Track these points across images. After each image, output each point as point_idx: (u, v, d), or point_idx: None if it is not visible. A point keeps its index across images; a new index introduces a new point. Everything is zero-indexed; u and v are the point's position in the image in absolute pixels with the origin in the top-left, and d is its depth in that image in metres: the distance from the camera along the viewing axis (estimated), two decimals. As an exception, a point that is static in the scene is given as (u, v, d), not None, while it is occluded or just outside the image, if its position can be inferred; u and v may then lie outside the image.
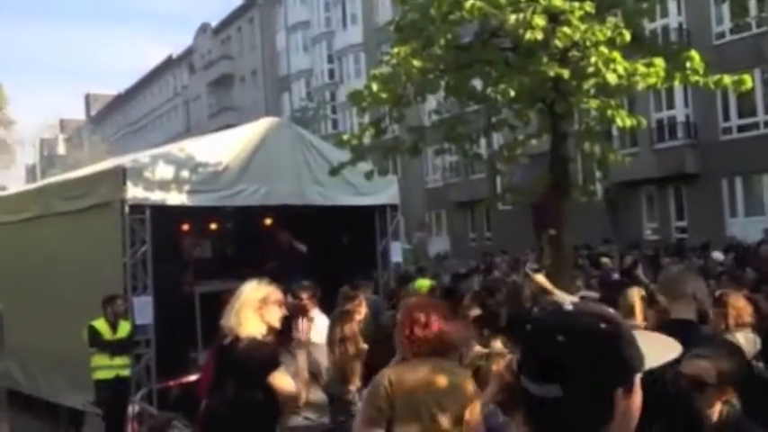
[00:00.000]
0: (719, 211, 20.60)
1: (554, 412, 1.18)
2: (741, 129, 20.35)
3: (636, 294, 4.76)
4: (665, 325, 3.10)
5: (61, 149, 63.08)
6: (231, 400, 3.38)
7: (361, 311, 5.27)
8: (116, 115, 66.82)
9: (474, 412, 2.81)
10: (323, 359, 4.54)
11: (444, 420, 2.78)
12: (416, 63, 6.12)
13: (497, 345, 3.93)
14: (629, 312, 4.60)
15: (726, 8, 18.01)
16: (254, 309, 3.53)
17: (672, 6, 20.27)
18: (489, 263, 14.91)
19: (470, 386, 2.91)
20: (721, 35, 20.29)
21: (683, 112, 21.44)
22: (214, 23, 49.16)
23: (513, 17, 5.35)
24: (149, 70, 59.41)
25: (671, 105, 21.45)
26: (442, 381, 2.84)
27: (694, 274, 3.36)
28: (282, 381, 3.48)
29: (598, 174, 14.86)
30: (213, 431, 3.51)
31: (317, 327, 4.71)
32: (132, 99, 63.47)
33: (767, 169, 19.67)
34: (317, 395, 4.32)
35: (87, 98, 74.90)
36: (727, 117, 20.62)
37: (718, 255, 10.03)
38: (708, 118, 20.79)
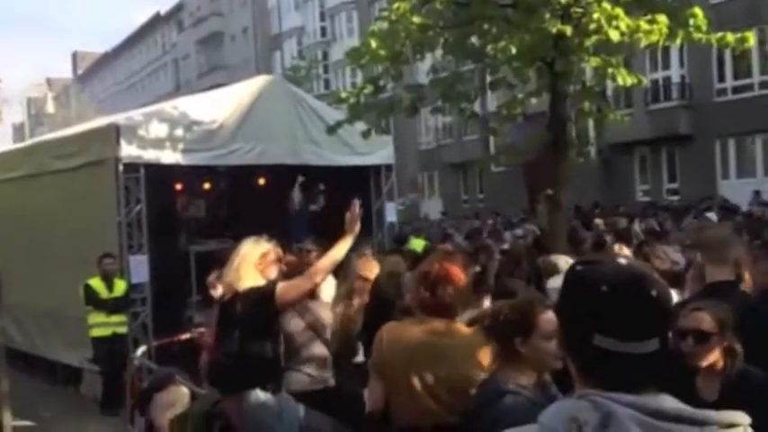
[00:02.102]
0: (712, 173, 20.66)
1: (655, 365, 1.24)
2: (736, 90, 20.28)
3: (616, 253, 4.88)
4: (708, 287, 3.16)
5: (50, 108, 62.24)
6: (236, 352, 3.42)
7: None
8: (104, 74, 65.77)
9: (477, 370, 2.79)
10: (326, 316, 4.56)
11: (430, 379, 2.81)
12: (416, 20, 6.02)
13: (487, 304, 3.97)
14: None
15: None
16: (253, 265, 3.55)
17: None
18: (472, 230, 14.81)
19: (470, 347, 2.84)
20: (719, -6, 20.07)
21: (679, 72, 21.31)
22: (203, -21, 48.12)
23: (516, -29, 5.27)
24: (137, 28, 58.32)
25: (666, 66, 21.31)
26: (431, 342, 2.85)
27: (738, 239, 3.42)
28: (288, 286, 3.55)
29: (592, 134, 14.81)
30: (218, 382, 3.55)
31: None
32: (120, 57, 62.39)
33: (760, 131, 19.67)
34: (321, 350, 4.35)
35: (74, 56, 73.59)
36: (722, 78, 20.52)
37: (712, 215, 10.10)
38: (703, 79, 20.69)
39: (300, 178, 10.50)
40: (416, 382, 2.80)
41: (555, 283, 3.84)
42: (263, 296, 3.44)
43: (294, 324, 4.19)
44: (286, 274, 3.91)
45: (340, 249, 3.62)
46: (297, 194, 10.61)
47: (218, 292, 6.56)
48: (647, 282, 1.27)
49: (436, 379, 2.80)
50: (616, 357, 1.22)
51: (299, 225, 10.26)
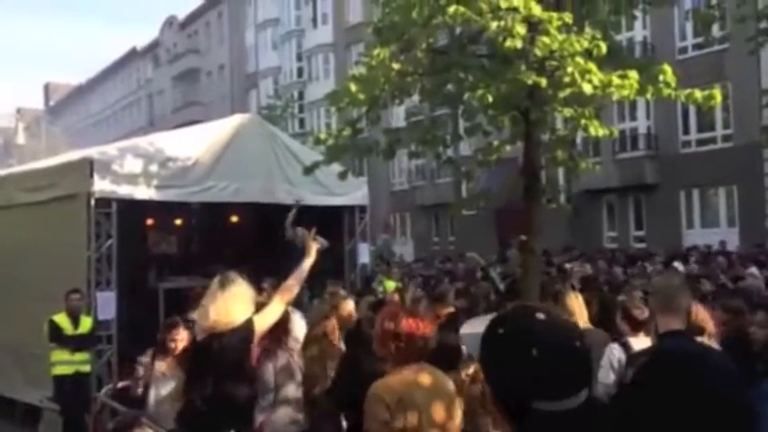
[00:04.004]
0: (677, 222, 21.15)
1: (587, 413, 1.25)
2: (700, 142, 20.95)
3: (572, 299, 4.92)
4: (660, 338, 3.16)
5: (20, 139, 61.37)
6: (210, 394, 3.35)
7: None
8: (76, 106, 65.25)
9: (456, 414, 2.83)
10: (297, 358, 4.53)
11: (439, 422, 2.81)
12: (395, 66, 6.15)
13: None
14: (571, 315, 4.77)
15: (689, 24, 18.58)
16: (241, 303, 3.49)
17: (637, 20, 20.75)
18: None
19: (452, 386, 2.94)
20: (684, 50, 20.86)
21: (645, 124, 21.96)
22: (181, 17, 48.47)
23: (494, 24, 5.42)
24: (111, 62, 58.23)
25: (633, 117, 21.96)
26: (431, 385, 2.85)
27: (686, 287, 3.41)
28: (264, 314, 3.54)
29: (561, 182, 15.09)
30: (190, 425, 3.47)
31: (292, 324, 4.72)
32: (93, 90, 62.06)
33: (723, 182, 20.27)
34: (295, 392, 4.30)
35: (46, 87, 73.01)
36: (686, 131, 21.20)
37: (678, 265, 10.31)
38: (668, 131, 21.35)
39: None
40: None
41: (470, 328, 3.56)
42: (245, 334, 3.39)
43: (271, 366, 4.15)
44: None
45: (303, 267, 3.80)
46: (299, 230, 10.48)
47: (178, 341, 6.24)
48: (571, 336, 1.27)
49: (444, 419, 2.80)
50: (554, 416, 1.21)
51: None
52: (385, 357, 2.99)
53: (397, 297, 8.40)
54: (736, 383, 2.69)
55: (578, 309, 4.79)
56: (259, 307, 4.42)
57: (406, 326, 2.88)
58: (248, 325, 3.46)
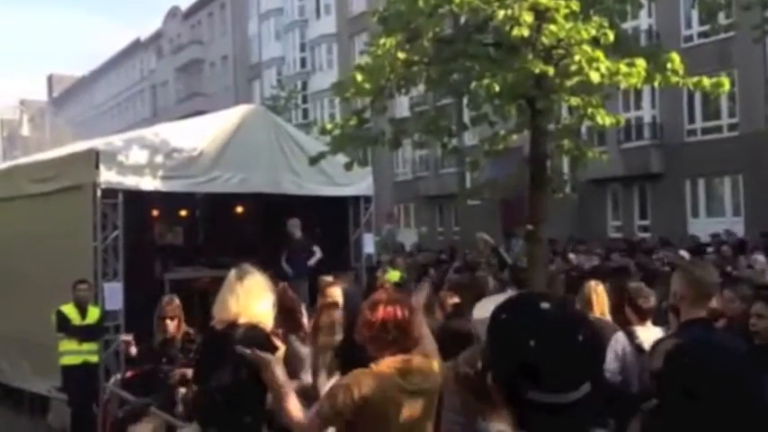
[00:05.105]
0: (682, 211, 21.09)
1: (589, 406, 1.25)
2: (705, 131, 20.85)
3: (593, 288, 4.90)
4: (683, 326, 3.17)
5: (25, 131, 61.49)
6: (227, 384, 3.34)
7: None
8: (79, 98, 65.26)
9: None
10: (304, 351, 4.55)
11: (420, 413, 2.74)
12: (401, 55, 6.13)
13: None
14: (587, 306, 4.77)
15: (695, 12, 18.46)
16: (259, 294, 3.47)
17: (643, 8, 20.62)
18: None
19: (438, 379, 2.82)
20: (689, 38, 20.72)
21: (650, 113, 21.86)
22: (184, 8, 48.35)
23: (501, 12, 5.40)
24: (115, 53, 58.21)
25: (638, 106, 21.85)
26: (409, 381, 2.74)
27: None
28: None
29: (566, 171, 14.98)
30: (205, 416, 3.47)
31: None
32: (97, 82, 62.05)
33: (729, 171, 20.19)
34: (306, 380, 4.31)
35: (50, 79, 72.99)
36: (692, 119, 21.09)
37: (684, 253, 10.31)
38: (674, 120, 21.24)
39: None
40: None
41: (481, 313, 3.48)
42: (267, 335, 3.36)
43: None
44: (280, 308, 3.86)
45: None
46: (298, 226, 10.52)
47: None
48: (572, 329, 1.26)
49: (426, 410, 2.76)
50: (549, 407, 1.21)
51: (301, 260, 10.25)
52: (363, 345, 2.93)
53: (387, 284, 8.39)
54: (757, 374, 2.72)
55: (596, 299, 4.77)
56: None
57: (382, 314, 2.77)
58: (271, 338, 3.44)
